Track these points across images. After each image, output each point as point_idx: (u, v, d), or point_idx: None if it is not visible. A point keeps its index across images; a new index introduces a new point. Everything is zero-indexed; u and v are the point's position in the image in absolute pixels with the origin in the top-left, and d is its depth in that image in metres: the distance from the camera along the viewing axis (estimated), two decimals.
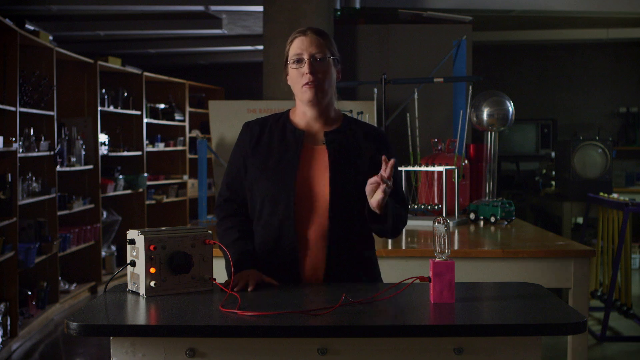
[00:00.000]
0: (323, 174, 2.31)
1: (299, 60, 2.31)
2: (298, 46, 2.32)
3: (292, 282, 2.30)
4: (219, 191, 2.47)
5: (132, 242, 2.13)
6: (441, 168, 3.98)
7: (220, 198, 2.45)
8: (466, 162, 4.42)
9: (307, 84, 2.30)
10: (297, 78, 2.32)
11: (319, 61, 2.31)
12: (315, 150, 2.35)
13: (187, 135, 9.43)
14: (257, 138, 2.38)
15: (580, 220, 7.29)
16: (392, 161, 2.15)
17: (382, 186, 2.15)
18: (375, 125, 4.80)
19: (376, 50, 6.25)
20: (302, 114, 2.38)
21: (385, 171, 2.15)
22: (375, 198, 2.18)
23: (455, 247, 3.28)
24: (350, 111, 4.86)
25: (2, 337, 4.97)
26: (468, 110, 4.49)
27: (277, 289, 2.21)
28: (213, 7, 7.21)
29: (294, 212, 2.28)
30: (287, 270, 2.31)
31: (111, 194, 7.47)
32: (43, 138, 5.98)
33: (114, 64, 7.52)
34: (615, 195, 5.86)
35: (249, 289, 2.18)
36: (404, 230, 3.74)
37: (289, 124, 2.39)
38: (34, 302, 5.70)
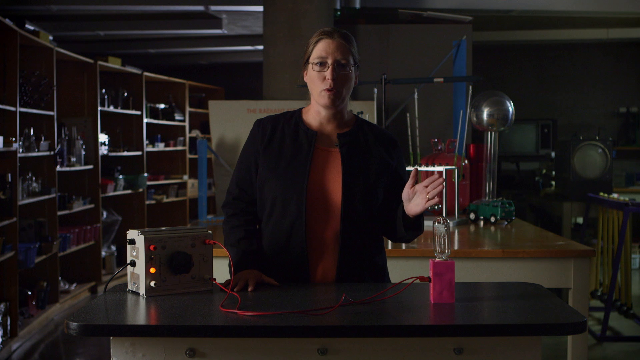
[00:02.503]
0: (335, 177, 2.30)
1: (322, 64, 2.29)
2: (324, 49, 2.29)
3: (302, 283, 2.29)
4: (228, 188, 2.45)
5: (132, 242, 2.13)
6: (441, 168, 3.98)
7: (229, 196, 2.43)
8: (466, 162, 4.42)
9: (327, 89, 2.28)
10: (318, 81, 2.30)
11: (343, 67, 2.29)
12: (327, 152, 2.34)
13: (187, 135, 9.43)
14: (270, 137, 2.37)
15: (580, 220, 7.29)
16: (440, 179, 2.14)
17: (432, 200, 2.13)
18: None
19: (376, 50, 6.24)
20: (317, 113, 2.37)
21: (435, 187, 2.13)
22: (416, 207, 2.18)
23: (455, 247, 3.28)
24: (350, 111, 4.86)
25: (2, 337, 4.97)
26: (468, 110, 4.49)
27: (278, 289, 2.21)
28: (213, 7, 7.21)
29: (306, 213, 2.27)
30: (297, 271, 2.30)
31: (111, 194, 7.47)
32: (43, 138, 5.98)
33: (114, 64, 7.52)
34: (615, 195, 5.86)
35: (249, 289, 2.18)
36: None
37: (301, 124, 2.38)
38: (34, 302, 5.70)
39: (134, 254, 2.13)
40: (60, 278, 6.36)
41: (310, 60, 2.32)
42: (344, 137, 2.36)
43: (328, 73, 2.28)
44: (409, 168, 4.10)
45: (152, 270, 2.09)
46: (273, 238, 2.32)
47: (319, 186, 2.29)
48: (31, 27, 5.90)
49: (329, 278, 2.30)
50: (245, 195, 2.40)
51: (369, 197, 2.28)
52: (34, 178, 5.88)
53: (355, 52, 2.34)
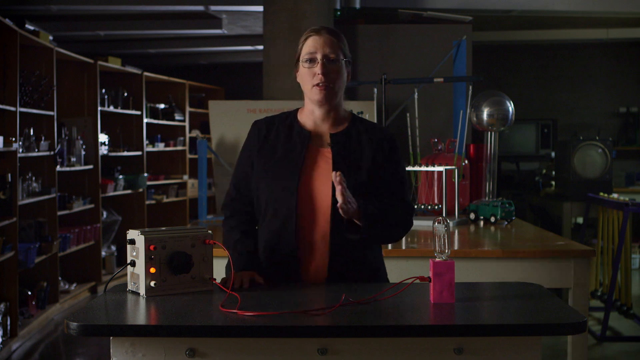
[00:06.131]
0: (326, 177, 2.29)
1: (312, 60, 2.30)
2: (312, 45, 2.30)
3: (294, 282, 2.29)
4: (228, 190, 2.47)
5: (132, 242, 2.13)
6: (441, 168, 3.98)
7: (227, 197, 2.46)
8: (466, 162, 4.42)
9: (318, 84, 2.29)
10: (309, 77, 2.31)
11: (332, 62, 2.30)
12: (320, 152, 2.34)
13: (187, 135, 9.43)
14: (264, 137, 2.38)
15: (580, 220, 7.29)
16: (338, 174, 2.14)
17: (340, 204, 2.15)
18: None
19: (376, 50, 6.24)
20: (310, 112, 2.38)
21: (337, 186, 2.14)
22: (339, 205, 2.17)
23: (455, 247, 3.28)
24: (350, 111, 4.86)
25: (2, 337, 4.97)
26: (468, 110, 4.49)
27: (278, 289, 2.21)
28: (213, 7, 7.21)
29: (296, 213, 2.27)
30: (288, 271, 2.30)
31: (111, 194, 7.46)
32: (43, 138, 5.98)
33: (114, 64, 7.52)
34: (615, 195, 5.86)
35: (245, 286, 2.20)
36: None
37: (296, 124, 2.38)
38: (34, 302, 5.70)
39: (134, 254, 2.13)
40: (60, 278, 6.36)
41: (301, 58, 2.33)
42: (336, 136, 2.36)
43: (318, 68, 2.29)
44: (408, 168, 4.11)
45: (152, 270, 2.09)
46: (266, 238, 2.33)
47: (309, 187, 2.29)
48: (31, 27, 5.90)
49: (320, 278, 2.30)
50: (242, 196, 2.41)
51: (359, 197, 2.24)
52: (34, 178, 5.87)
53: (344, 48, 2.34)
